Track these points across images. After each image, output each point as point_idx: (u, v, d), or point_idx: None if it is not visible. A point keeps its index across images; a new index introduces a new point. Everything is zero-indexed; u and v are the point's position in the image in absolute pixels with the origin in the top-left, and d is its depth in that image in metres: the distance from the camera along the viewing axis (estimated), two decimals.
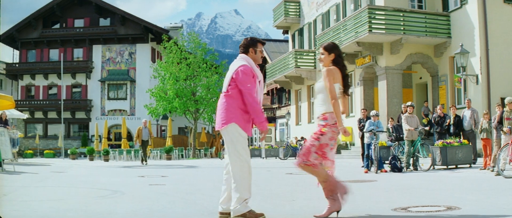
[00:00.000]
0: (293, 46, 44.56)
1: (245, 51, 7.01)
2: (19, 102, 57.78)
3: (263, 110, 6.78)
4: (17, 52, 66.45)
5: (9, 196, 10.27)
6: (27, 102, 61.95)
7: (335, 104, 7.05)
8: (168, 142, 46.77)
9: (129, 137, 54.87)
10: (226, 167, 7.07)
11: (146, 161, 28.95)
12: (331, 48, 7.12)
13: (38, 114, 62.22)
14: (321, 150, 7.13)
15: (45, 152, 54.41)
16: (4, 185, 13.07)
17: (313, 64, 39.69)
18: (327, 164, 7.21)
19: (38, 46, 63.57)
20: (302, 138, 40.07)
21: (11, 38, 64.64)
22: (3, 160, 19.10)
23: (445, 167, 18.38)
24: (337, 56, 7.21)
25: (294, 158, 35.11)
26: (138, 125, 58.11)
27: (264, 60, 59.30)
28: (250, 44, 7.02)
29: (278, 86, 52.90)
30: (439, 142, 18.69)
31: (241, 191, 6.93)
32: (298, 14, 43.97)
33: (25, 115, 39.87)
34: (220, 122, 6.96)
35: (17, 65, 64.97)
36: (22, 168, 21.37)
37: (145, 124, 28.56)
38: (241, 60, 7.01)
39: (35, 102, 61.75)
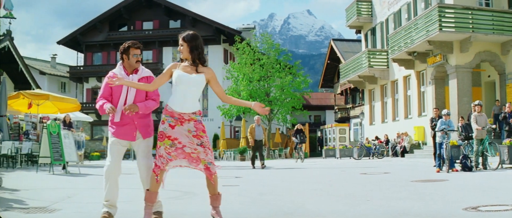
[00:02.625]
0: (366, 46, 44.31)
1: (121, 58, 7.09)
2: (85, 105, 58.25)
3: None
4: (81, 55, 67.20)
5: (74, 198, 10.40)
6: (93, 105, 62.13)
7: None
8: (242, 143, 46.99)
9: None
10: None
11: (263, 163, 24.67)
12: (190, 39, 6.84)
13: (105, 117, 62.18)
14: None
15: None
16: (68, 187, 13.16)
17: (386, 64, 39.46)
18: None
19: (104, 49, 64.03)
20: (376, 137, 39.87)
21: (74, 41, 65.52)
22: (67, 162, 19.46)
23: None
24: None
25: (368, 158, 34.98)
26: (212, 126, 59.03)
27: (338, 60, 59.18)
28: (123, 51, 7.05)
29: (352, 86, 52.60)
30: (506, 141, 18.41)
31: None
32: (370, 13, 43.75)
33: (91, 118, 40.57)
34: None
35: (81, 68, 65.40)
36: (88, 170, 21.45)
37: (258, 121, 25.63)
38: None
39: None
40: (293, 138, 34.30)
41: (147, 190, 6.63)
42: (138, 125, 6.91)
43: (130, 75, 6.96)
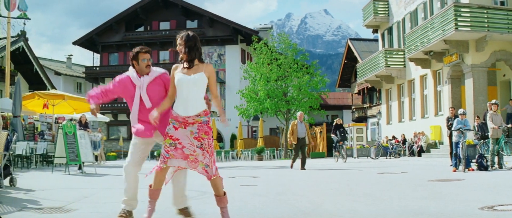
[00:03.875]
0: (383, 45, 44.29)
1: (132, 64, 7.20)
2: (100, 105, 58.51)
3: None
4: (97, 56, 67.55)
5: (91, 198, 10.43)
6: (110, 105, 62.03)
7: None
8: (260, 143, 47.01)
9: (219, 138, 55.54)
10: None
11: (293, 161, 23.18)
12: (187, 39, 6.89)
13: (122, 117, 62.47)
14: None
15: None
16: (85, 187, 13.17)
17: (403, 63, 39.44)
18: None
19: (121, 49, 64.30)
20: (393, 137, 39.84)
21: (90, 42, 65.93)
22: (83, 162, 19.57)
23: None
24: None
25: (385, 157, 34.94)
26: (229, 126, 59.02)
27: (355, 60, 59.09)
28: (132, 58, 7.16)
29: (369, 86, 52.53)
30: None
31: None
32: (387, 12, 43.69)
33: (107, 118, 40.71)
34: None
35: (97, 69, 65.69)
36: (104, 171, 21.49)
37: (301, 118, 23.18)
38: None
39: (119, 105, 62.31)
40: (333, 136, 30.38)
41: (150, 186, 6.70)
42: (158, 125, 6.95)
43: (142, 77, 7.06)
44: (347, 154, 30.16)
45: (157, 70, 7.17)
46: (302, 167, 21.94)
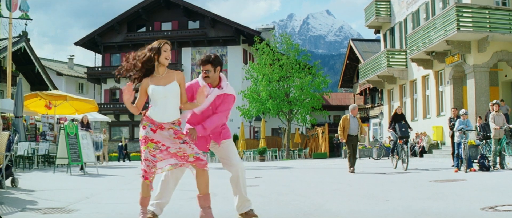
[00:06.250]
0: (385, 46, 44.30)
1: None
2: (102, 106, 58.54)
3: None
4: (99, 56, 67.66)
5: (92, 199, 10.40)
6: (112, 106, 62.50)
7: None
8: (262, 143, 47.07)
9: None
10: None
11: (352, 165, 19.00)
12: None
13: (124, 117, 62.71)
14: None
15: (131, 154, 53.84)
16: (87, 188, 13.14)
17: (404, 64, 39.46)
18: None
19: (123, 49, 63.97)
20: None
21: (92, 42, 65.98)
22: (85, 163, 19.56)
23: None
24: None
25: (387, 158, 34.89)
26: (231, 127, 58.93)
27: (357, 60, 59.11)
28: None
29: (371, 86, 52.55)
30: None
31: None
32: (389, 13, 43.73)
33: (109, 119, 40.66)
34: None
35: (99, 69, 65.66)
36: (106, 171, 21.46)
37: (354, 112, 19.71)
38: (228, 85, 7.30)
39: (120, 106, 62.09)
40: (390, 132, 22.94)
41: (140, 194, 6.68)
42: (212, 135, 7.05)
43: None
44: (408, 157, 20.37)
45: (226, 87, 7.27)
46: (351, 167, 19.02)
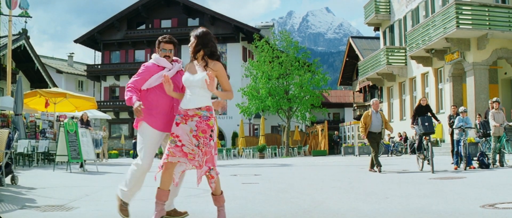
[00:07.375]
0: (384, 43, 44.36)
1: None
2: (102, 103, 58.73)
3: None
4: (99, 54, 67.52)
5: (92, 196, 10.35)
6: (111, 103, 62.49)
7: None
8: (261, 141, 47.02)
9: (221, 136, 55.53)
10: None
11: (378, 165, 17.24)
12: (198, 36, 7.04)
13: (123, 115, 62.72)
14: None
15: (131, 152, 53.09)
16: (86, 185, 13.09)
17: (404, 61, 39.49)
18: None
19: (122, 47, 64.31)
20: (399, 134, 39.78)
21: (92, 40, 65.89)
22: (85, 161, 19.55)
23: None
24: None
25: (386, 155, 34.91)
26: (230, 124, 59.26)
27: (356, 58, 59.07)
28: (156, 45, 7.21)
29: (370, 83, 52.52)
30: None
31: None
32: (388, 10, 43.75)
33: (109, 116, 40.54)
34: None
35: (99, 67, 65.63)
36: (106, 169, 21.34)
37: (376, 107, 17.99)
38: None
39: (120, 103, 62.20)
40: (414, 127, 18.55)
41: (158, 188, 6.43)
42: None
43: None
44: (433, 158, 16.83)
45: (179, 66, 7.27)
46: (372, 167, 17.87)
